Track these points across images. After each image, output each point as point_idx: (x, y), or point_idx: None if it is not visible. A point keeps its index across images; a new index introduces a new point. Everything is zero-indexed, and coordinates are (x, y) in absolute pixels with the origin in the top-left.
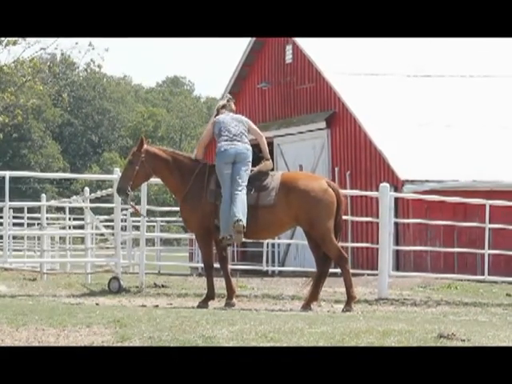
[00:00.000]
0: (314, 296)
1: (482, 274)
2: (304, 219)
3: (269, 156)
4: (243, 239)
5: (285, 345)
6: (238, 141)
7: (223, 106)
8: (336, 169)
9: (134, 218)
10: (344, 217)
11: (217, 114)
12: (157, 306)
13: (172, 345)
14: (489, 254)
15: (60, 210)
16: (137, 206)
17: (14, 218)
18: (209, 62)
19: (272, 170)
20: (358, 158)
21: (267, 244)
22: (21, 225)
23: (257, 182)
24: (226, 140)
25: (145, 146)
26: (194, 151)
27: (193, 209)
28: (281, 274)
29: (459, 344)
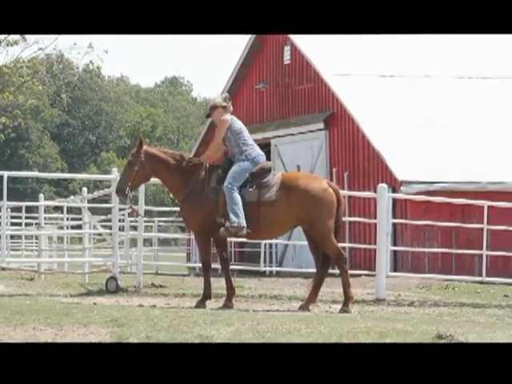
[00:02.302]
0: (312, 297)
1: (480, 274)
2: (304, 219)
3: None
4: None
5: None
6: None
7: (224, 107)
8: (334, 169)
9: (132, 218)
10: (342, 217)
11: (211, 112)
12: (154, 305)
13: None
14: (487, 255)
15: (58, 209)
16: (135, 207)
17: (12, 217)
18: (207, 63)
19: (271, 169)
20: (355, 158)
21: (265, 244)
22: (19, 224)
23: (258, 179)
24: (253, 146)
25: (144, 147)
26: (193, 150)
27: (194, 207)
28: (278, 274)
29: None
